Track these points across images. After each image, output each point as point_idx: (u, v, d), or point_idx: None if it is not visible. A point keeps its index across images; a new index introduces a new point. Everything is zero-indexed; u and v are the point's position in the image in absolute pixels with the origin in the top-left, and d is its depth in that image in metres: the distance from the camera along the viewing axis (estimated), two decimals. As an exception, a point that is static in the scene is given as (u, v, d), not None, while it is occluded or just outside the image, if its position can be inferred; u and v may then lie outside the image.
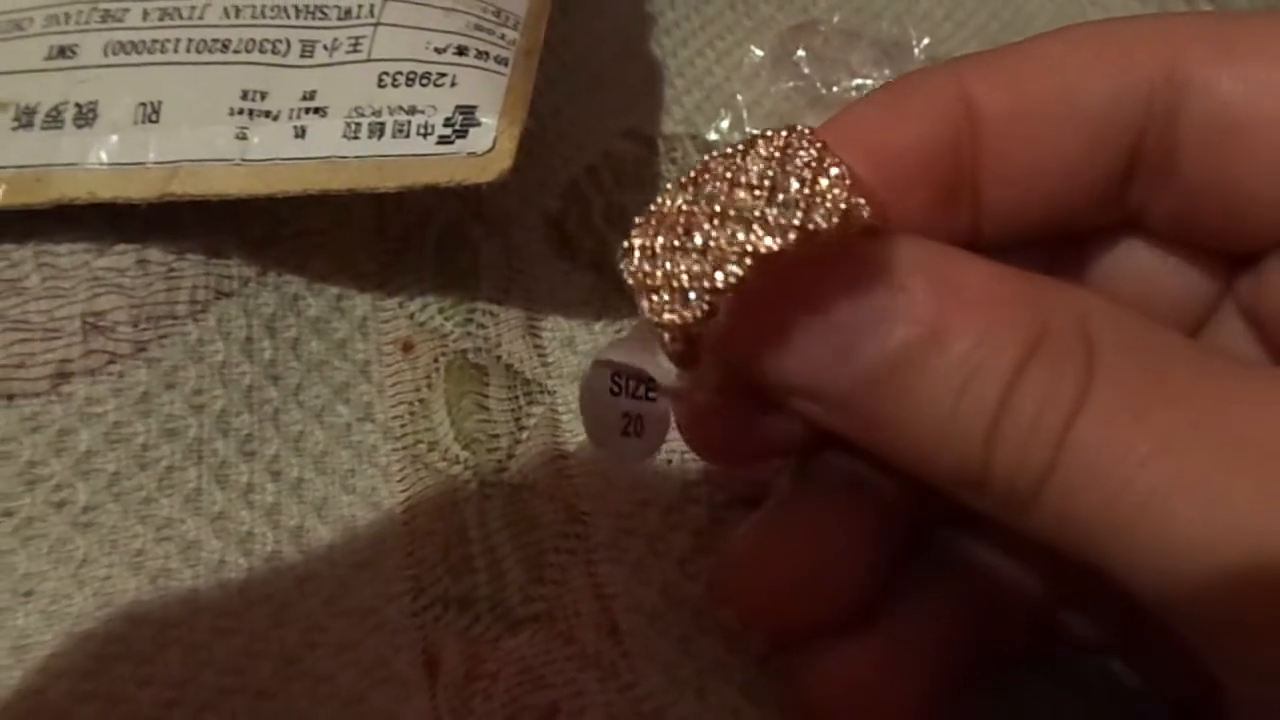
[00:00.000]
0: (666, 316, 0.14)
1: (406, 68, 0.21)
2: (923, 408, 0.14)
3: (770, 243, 0.14)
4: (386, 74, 0.21)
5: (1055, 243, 0.18)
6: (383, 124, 0.21)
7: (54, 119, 0.22)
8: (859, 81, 0.28)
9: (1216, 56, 0.16)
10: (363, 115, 0.21)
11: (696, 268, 0.14)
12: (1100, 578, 0.14)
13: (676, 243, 0.14)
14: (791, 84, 0.28)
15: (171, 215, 0.22)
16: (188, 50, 0.22)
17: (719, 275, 0.14)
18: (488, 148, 0.20)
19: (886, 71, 0.28)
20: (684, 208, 0.15)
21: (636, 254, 0.15)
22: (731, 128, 0.28)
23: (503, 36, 0.22)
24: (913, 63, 0.29)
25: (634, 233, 0.15)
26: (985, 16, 0.32)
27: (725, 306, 0.14)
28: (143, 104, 0.22)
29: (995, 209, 0.17)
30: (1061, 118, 0.16)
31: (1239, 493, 0.13)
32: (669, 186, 0.15)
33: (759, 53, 0.29)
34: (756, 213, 0.14)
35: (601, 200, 0.26)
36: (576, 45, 0.28)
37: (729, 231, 0.14)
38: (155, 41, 0.22)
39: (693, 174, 0.15)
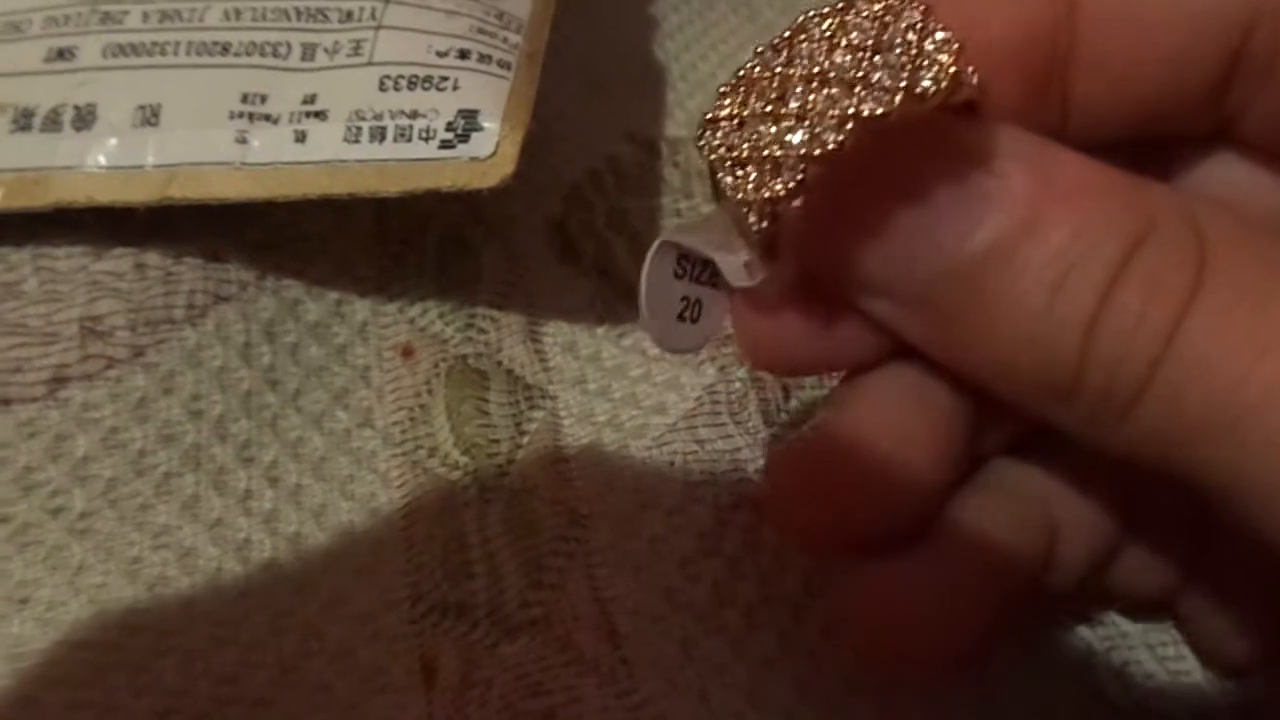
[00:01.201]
0: (755, 192, 0.13)
1: (408, 71, 0.21)
2: (1013, 304, 0.13)
3: (873, 106, 0.13)
4: (388, 77, 0.21)
5: (1140, 151, 0.17)
6: (384, 128, 0.21)
7: (52, 121, 0.21)
8: (862, 86, 0.28)
9: None
10: (364, 119, 0.21)
11: (790, 136, 0.13)
12: (1168, 518, 0.13)
13: (769, 109, 0.13)
14: (794, 88, 0.28)
15: (170, 219, 0.22)
16: (187, 53, 0.22)
17: (816, 142, 0.13)
18: (490, 152, 0.20)
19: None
20: (778, 71, 0.13)
21: (723, 125, 0.14)
22: (734, 132, 0.28)
23: (505, 40, 0.22)
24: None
25: (722, 101, 0.14)
26: (989, 21, 0.32)
27: (817, 181, 0.13)
28: (142, 107, 0.21)
29: (1085, 103, 0.16)
30: (1166, 6, 0.15)
31: None
32: (760, 50, 0.14)
33: (762, 57, 0.29)
34: (859, 74, 0.13)
35: (604, 204, 0.26)
36: (579, 48, 0.28)
37: (827, 95, 0.13)
38: (155, 44, 0.22)
39: (787, 34, 0.14)
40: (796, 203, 0.13)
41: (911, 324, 0.15)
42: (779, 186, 0.13)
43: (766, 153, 0.13)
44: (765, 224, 0.13)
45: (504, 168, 0.20)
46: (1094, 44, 0.15)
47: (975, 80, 0.13)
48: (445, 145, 0.20)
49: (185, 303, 0.22)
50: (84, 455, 0.21)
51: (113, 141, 0.21)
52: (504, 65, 0.21)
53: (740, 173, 0.13)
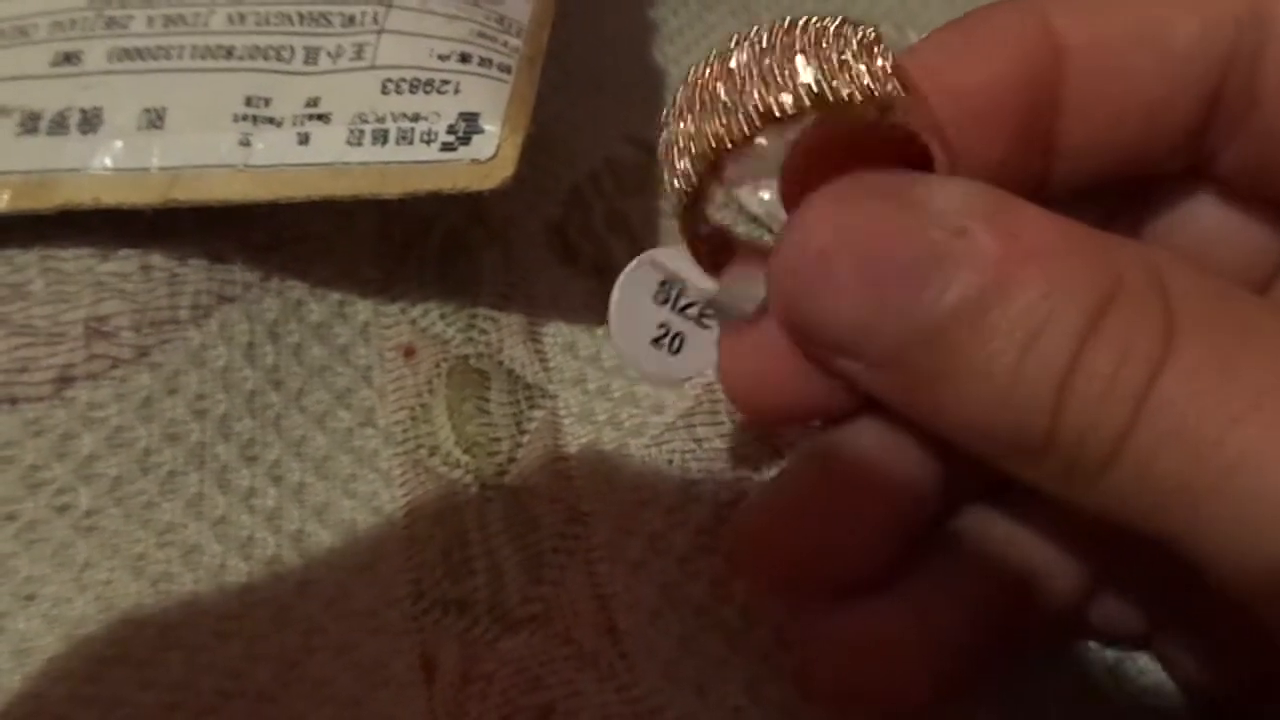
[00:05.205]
0: (672, 178, 0.14)
1: (410, 75, 0.21)
2: (982, 365, 0.13)
3: (783, 101, 0.13)
4: (390, 81, 0.21)
5: (1113, 194, 0.17)
6: (386, 131, 0.21)
7: (59, 125, 0.22)
8: (859, 89, 0.28)
9: None
10: (366, 122, 0.21)
11: (708, 127, 0.13)
12: (1142, 564, 0.13)
13: (699, 106, 0.14)
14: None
15: (175, 221, 0.22)
16: (192, 57, 0.22)
17: (729, 131, 0.13)
18: (491, 155, 0.20)
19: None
20: (722, 67, 0.14)
21: (668, 120, 0.14)
22: (732, 135, 0.28)
23: (506, 44, 0.22)
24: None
25: (673, 100, 0.14)
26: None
27: (725, 164, 0.14)
28: (147, 110, 0.22)
29: (1069, 151, 0.16)
30: (1148, 55, 0.15)
31: None
32: (713, 51, 0.14)
33: (760, 60, 0.29)
34: (784, 73, 0.13)
35: (603, 206, 0.26)
36: (579, 52, 0.28)
37: (748, 90, 0.13)
38: (160, 48, 0.22)
39: (735, 39, 0.14)
40: (712, 188, 0.14)
41: (883, 385, 0.15)
42: (694, 172, 0.14)
43: (691, 144, 0.14)
44: (684, 202, 0.14)
45: (504, 170, 0.20)
46: (1080, 94, 0.15)
47: (901, 100, 0.13)
48: (446, 148, 0.20)
49: (190, 303, 0.22)
50: (89, 454, 0.21)
51: (118, 144, 0.22)
52: (504, 69, 0.22)
53: (670, 161, 0.14)
